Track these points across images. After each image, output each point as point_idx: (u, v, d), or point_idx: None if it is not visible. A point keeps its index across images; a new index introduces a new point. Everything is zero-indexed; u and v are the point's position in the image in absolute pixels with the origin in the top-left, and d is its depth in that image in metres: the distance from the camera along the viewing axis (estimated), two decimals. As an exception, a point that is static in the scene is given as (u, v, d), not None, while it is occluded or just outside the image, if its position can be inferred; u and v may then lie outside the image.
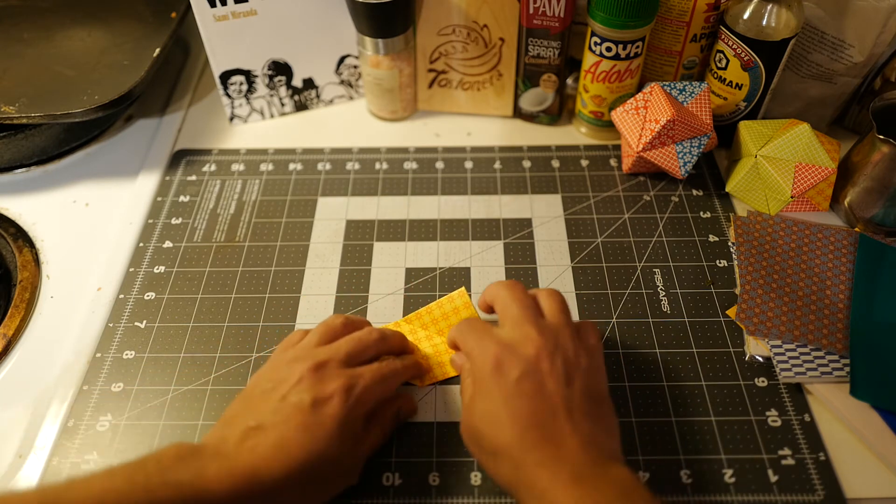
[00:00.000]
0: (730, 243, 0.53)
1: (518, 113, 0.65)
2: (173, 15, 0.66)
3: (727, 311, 0.49)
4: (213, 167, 0.61)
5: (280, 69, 0.63)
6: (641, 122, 0.55)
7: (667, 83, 0.56)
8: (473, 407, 0.37)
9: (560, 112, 0.65)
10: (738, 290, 0.50)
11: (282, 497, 0.35)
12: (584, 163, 0.61)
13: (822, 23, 0.55)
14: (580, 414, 0.36)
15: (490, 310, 0.43)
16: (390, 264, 0.53)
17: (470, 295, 0.49)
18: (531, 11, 0.56)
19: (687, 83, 0.56)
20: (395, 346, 0.44)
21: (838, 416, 0.43)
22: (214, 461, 0.35)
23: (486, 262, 0.53)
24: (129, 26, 0.66)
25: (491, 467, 0.37)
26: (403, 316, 0.49)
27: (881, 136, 0.49)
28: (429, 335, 0.48)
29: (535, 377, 0.36)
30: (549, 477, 0.34)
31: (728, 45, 0.55)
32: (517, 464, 0.35)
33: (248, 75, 0.63)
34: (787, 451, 0.42)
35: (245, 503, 0.34)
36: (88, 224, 0.57)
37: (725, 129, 0.60)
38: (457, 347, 0.42)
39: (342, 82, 0.67)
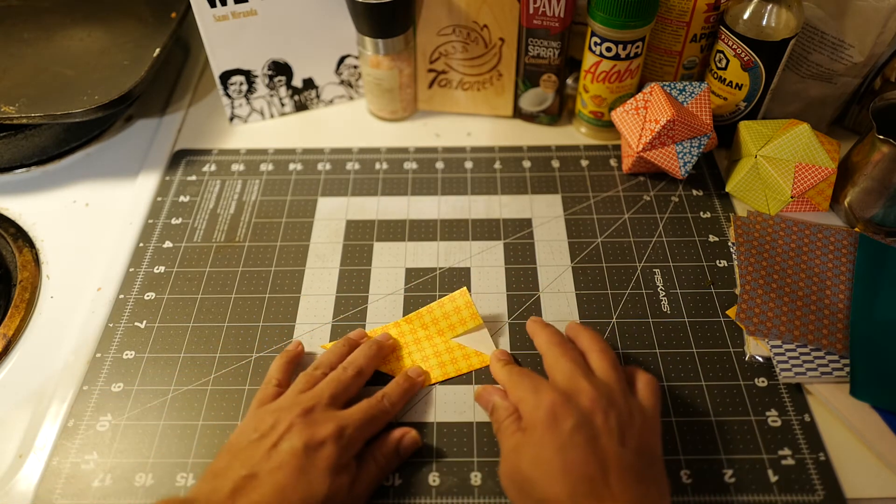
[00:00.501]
0: (730, 243, 0.53)
1: (518, 113, 0.65)
2: (173, 15, 0.66)
3: (727, 311, 0.49)
4: (213, 167, 0.61)
5: (280, 69, 0.63)
6: (641, 122, 0.55)
7: (667, 83, 0.56)
8: (522, 453, 0.37)
9: (560, 112, 0.65)
10: (738, 290, 0.50)
11: None
12: (584, 163, 0.61)
13: (822, 23, 0.55)
14: (632, 475, 0.35)
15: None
16: (390, 264, 0.53)
17: (471, 294, 0.49)
18: (531, 11, 0.56)
19: (687, 83, 0.56)
20: (371, 369, 0.44)
21: (838, 416, 0.43)
22: None
23: (486, 262, 0.53)
24: (129, 26, 0.66)
25: None
26: (403, 316, 0.49)
27: (881, 136, 0.49)
28: (429, 335, 0.48)
29: (590, 431, 0.36)
30: None
31: (728, 45, 0.55)
32: None
33: (248, 75, 0.63)
34: (787, 451, 0.42)
35: None
36: (88, 224, 0.57)
37: (725, 129, 0.60)
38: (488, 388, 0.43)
39: (342, 82, 0.67)
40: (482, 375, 0.46)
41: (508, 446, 0.38)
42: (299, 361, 0.46)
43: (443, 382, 0.45)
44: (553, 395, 0.37)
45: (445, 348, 0.47)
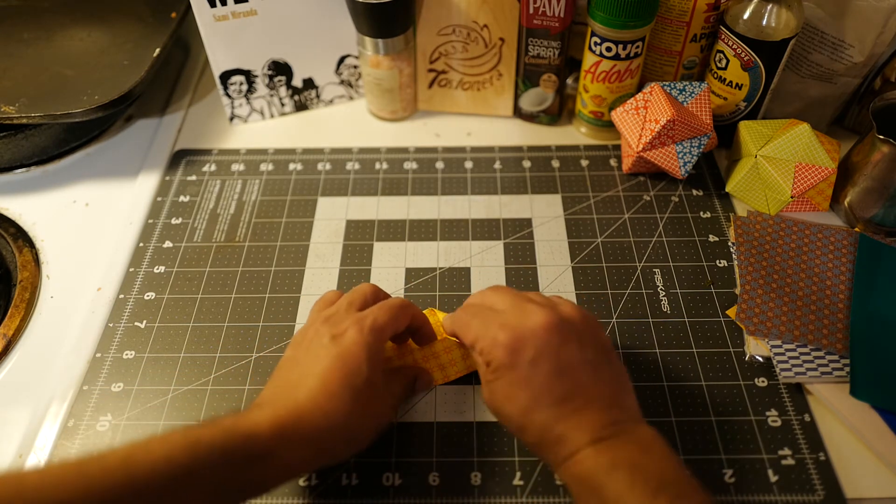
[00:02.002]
0: (730, 243, 0.53)
1: (518, 113, 0.65)
2: (173, 15, 0.66)
3: (727, 311, 0.49)
4: (213, 167, 0.61)
5: (280, 69, 0.63)
6: (641, 122, 0.55)
7: (667, 83, 0.56)
8: (495, 392, 0.38)
9: (560, 112, 0.65)
10: (738, 290, 0.50)
11: (329, 426, 0.36)
12: (584, 163, 0.61)
13: (822, 23, 0.55)
14: (594, 367, 0.37)
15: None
16: (390, 264, 0.53)
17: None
18: (531, 11, 0.56)
19: (687, 83, 0.56)
20: (420, 324, 0.45)
21: (838, 416, 0.43)
22: (254, 410, 0.36)
23: (486, 262, 0.53)
24: (129, 26, 0.66)
25: (516, 434, 0.39)
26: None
27: (881, 136, 0.49)
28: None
29: (549, 351, 0.37)
30: (576, 439, 0.35)
31: (728, 45, 0.55)
32: (542, 431, 0.36)
33: (248, 75, 0.63)
34: (787, 451, 0.42)
35: (293, 439, 0.35)
36: (88, 224, 0.57)
37: (725, 129, 0.60)
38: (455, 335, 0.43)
39: (342, 82, 0.67)
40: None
41: (482, 379, 0.39)
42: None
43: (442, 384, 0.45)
44: (503, 332, 0.38)
45: (443, 348, 0.46)
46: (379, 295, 0.44)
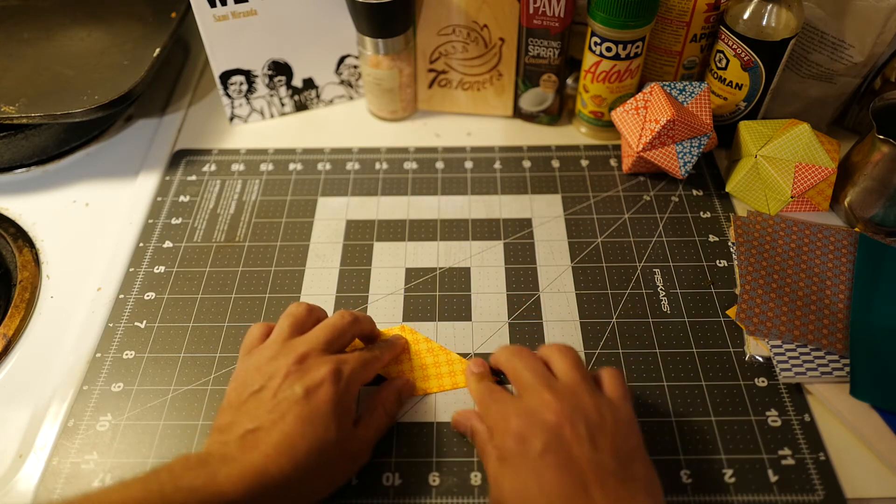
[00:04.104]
0: (730, 243, 0.53)
1: (518, 113, 0.65)
2: (173, 15, 0.66)
3: (727, 311, 0.49)
4: (213, 167, 0.61)
5: (280, 69, 0.63)
6: (641, 122, 0.55)
7: (667, 83, 0.56)
8: (502, 484, 0.36)
9: (560, 112, 0.65)
10: (738, 290, 0.50)
11: (293, 489, 0.36)
12: (584, 163, 0.61)
13: (822, 23, 0.55)
14: (613, 479, 0.34)
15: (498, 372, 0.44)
16: (390, 264, 0.53)
17: (471, 294, 0.49)
18: (531, 11, 0.56)
19: (687, 83, 0.56)
20: (366, 328, 0.45)
21: (838, 416, 0.43)
22: (223, 465, 0.35)
23: (486, 262, 0.53)
24: (129, 26, 0.66)
25: None
26: (403, 317, 0.49)
27: (881, 136, 0.49)
28: (431, 348, 0.47)
29: (560, 446, 0.35)
30: None
31: (728, 45, 0.55)
32: None
33: (248, 75, 0.63)
34: (787, 451, 0.42)
35: (259, 501, 0.34)
36: (88, 224, 0.57)
37: (725, 129, 0.60)
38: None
39: (342, 82, 0.67)
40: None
41: (491, 475, 0.37)
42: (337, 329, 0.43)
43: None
44: (519, 419, 0.37)
45: (446, 360, 0.46)
46: (356, 327, 0.43)
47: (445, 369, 0.46)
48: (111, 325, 0.49)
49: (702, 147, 0.55)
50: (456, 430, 0.43)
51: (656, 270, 0.52)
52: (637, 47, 0.56)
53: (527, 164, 0.61)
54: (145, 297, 0.51)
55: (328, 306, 0.50)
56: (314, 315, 0.43)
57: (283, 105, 0.66)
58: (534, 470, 0.35)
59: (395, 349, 0.45)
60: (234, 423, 0.37)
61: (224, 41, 0.60)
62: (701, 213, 0.56)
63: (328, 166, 0.61)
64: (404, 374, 0.46)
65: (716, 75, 0.58)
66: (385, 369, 0.46)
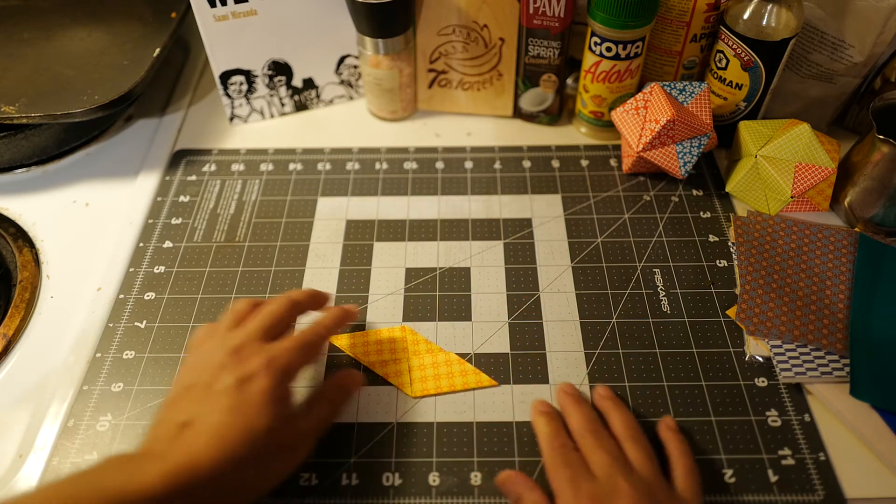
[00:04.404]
0: (730, 243, 0.53)
1: (518, 113, 0.65)
2: (173, 15, 0.66)
3: (727, 311, 0.49)
4: (213, 167, 0.61)
5: (280, 69, 0.63)
6: (641, 122, 0.55)
7: (667, 83, 0.56)
8: None
9: (560, 112, 0.65)
10: (738, 290, 0.50)
11: (228, 484, 0.35)
12: (584, 163, 0.61)
13: (822, 23, 0.55)
14: None
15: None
16: (390, 264, 0.53)
17: (471, 294, 0.49)
18: (531, 11, 0.56)
19: (687, 83, 0.56)
20: (307, 306, 0.44)
21: (838, 416, 0.43)
22: (148, 462, 0.34)
23: (486, 262, 0.53)
24: (129, 26, 0.66)
25: None
26: (403, 317, 0.49)
27: (881, 136, 0.49)
28: (430, 349, 0.47)
29: None
30: None
31: (728, 45, 0.55)
32: None
33: (248, 75, 0.63)
34: (787, 451, 0.42)
35: (184, 499, 0.33)
36: (88, 224, 0.57)
37: (725, 129, 0.60)
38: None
39: (342, 82, 0.67)
40: (527, 433, 0.46)
41: None
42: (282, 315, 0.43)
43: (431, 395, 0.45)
44: (590, 500, 0.36)
45: (445, 360, 0.46)
46: (297, 309, 0.43)
47: (444, 370, 0.46)
48: (111, 325, 0.49)
49: (702, 147, 0.55)
50: (500, 488, 0.41)
51: (656, 270, 0.52)
52: (637, 47, 0.56)
53: (527, 164, 0.61)
54: (145, 297, 0.51)
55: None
56: (255, 307, 0.43)
57: (283, 105, 0.66)
58: None
59: (337, 319, 0.43)
60: (166, 420, 0.37)
61: (224, 41, 0.60)
62: (701, 213, 0.56)
63: (328, 166, 0.61)
64: (401, 374, 0.46)
65: (716, 75, 0.58)
66: (369, 363, 0.46)
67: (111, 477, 0.33)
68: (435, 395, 0.45)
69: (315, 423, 0.39)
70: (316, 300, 0.44)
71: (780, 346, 0.46)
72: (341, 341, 0.48)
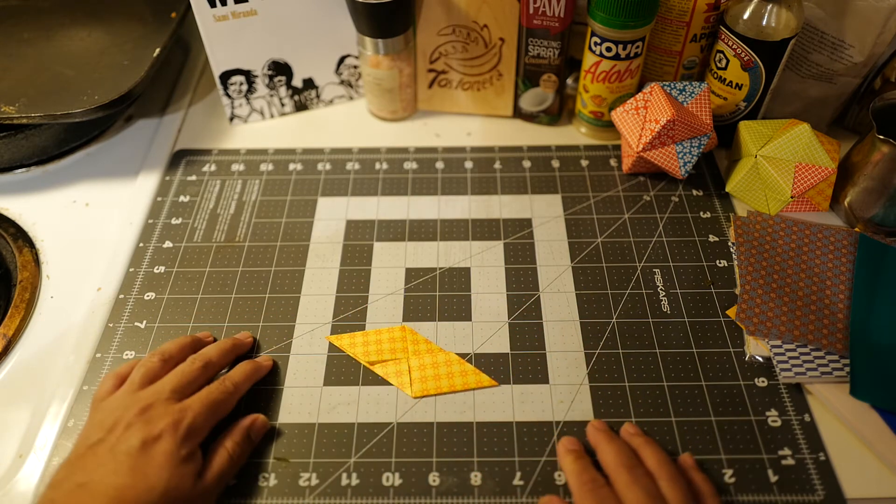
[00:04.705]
0: (730, 243, 0.53)
1: (518, 113, 0.65)
2: (173, 15, 0.66)
3: (727, 311, 0.49)
4: (213, 167, 0.61)
5: (280, 69, 0.63)
6: (641, 122, 0.55)
7: (667, 83, 0.56)
8: None
9: (560, 112, 0.65)
10: (738, 290, 0.50)
11: None
12: (584, 163, 0.61)
13: (822, 23, 0.55)
14: None
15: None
16: (390, 264, 0.53)
17: (471, 294, 0.49)
18: (531, 11, 0.56)
19: (687, 83, 0.56)
20: (220, 365, 0.44)
21: (838, 416, 0.43)
22: None
23: (486, 262, 0.53)
24: (129, 26, 0.66)
25: None
26: (403, 317, 0.49)
27: (881, 136, 0.49)
28: (430, 349, 0.47)
29: None
30: None
31: (728, 45, 0.55)
32: None
33: (248, 75, 0.63)
34: (787, 451, 0.42)
35: None
36: (88, 224, 0.57)
37: (725, 129, 0.60)
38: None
39: (342, 82, 0.67)
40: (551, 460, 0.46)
41: None
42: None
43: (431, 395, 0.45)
44: None
45: (445, 361, 0.46)
46: (210, 365, 0.43)
47: (444, 370, 0.46)
48: (111, 325, 0.49)
49: (702, 147, 0.55)
50: None
51: (656, 270, 0.52)
52: (637, 47, 0.56)
53: (527, 164, 0.61)
54: (145, 297, 0.51)
55: (328, 306, 0.50)
56: (167, 366, 0.43)
57: (283, 105, 0.66)
58: None
59: (247, 374, 0.44)
60: (65, 479, 0.36)
61: (224, 41, 0.60)
62: (701, 213, 0.56)
63: (328, 166, 0.61)
64: (402, 374, 0.46)
65: (716, 75, 0.58)
66: (369, 363, 0.46)
67: None
68: (435, 395, 0.45)
69: (215, 482, 0.39)
70: (229, 355, 0.45)
71: (780, 346, 0.46)
72: (341, 341, 0.48)
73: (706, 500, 0.38)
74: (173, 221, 0.57)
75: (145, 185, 0.59)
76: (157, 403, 0.39)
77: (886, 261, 0.50)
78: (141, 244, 0.55)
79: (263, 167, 0.61)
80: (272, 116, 0.67)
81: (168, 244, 0.55)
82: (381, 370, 0.46)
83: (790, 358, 0.45)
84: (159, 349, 0.44)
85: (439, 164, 0.61)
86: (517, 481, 0.41)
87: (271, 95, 0.65)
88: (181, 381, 0.41)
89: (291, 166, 0.61)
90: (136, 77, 0.59)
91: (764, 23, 0.53)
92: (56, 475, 0.37)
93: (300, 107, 0.67)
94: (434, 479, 0.41)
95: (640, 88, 0.61)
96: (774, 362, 0.45)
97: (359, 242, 0.55)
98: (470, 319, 0.49)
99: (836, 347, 0.45)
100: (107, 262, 0.53)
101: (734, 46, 0.55)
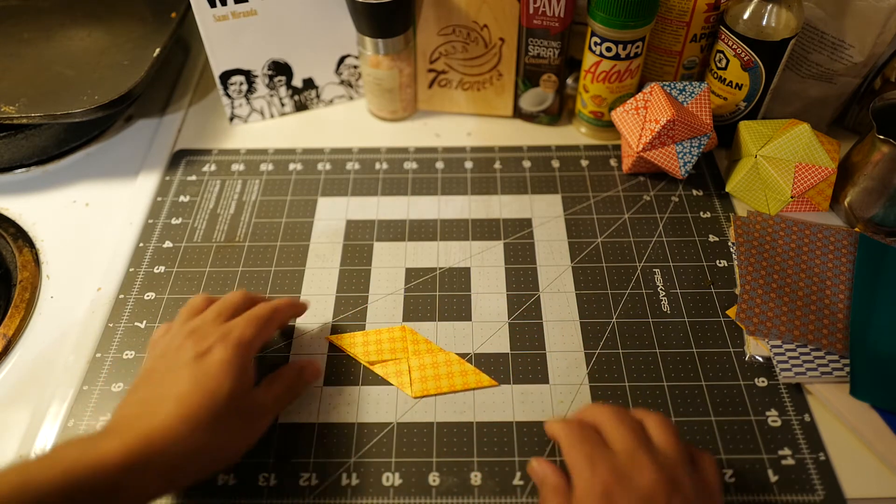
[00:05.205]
0: (730, 243, 0.53)
1: (518, 113, 0.65)
2: (173, 15, 0.66)
3: (727, 311, 0.49)
4: (213, 167, 0.61)
5: (280, 69, 0.63)
6: (641, 122, 0.55)
7: (667, 83, 0.56)
8: None
9: (560, 112, 0.65)
10: (738, 290, 0.50)
11: (185, 453, 0.35)
12: (584, 163, 0.61)
13: (822, 23, 0.55)
14: None
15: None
16: (390, 264, 0.53)
17: (471, 294, 0.49)
18: (531, 11, 0.56)
19: (687, 83, 0.56)
20: (259, 299, 0.45)
21: (838, 416, 0.43)
22: (107, 437, 0.34)
23: (486, 262, 0.53)
24: (129, 26, 0.66)
25: None
26: (403, 317, 0.49)
27: (881, 136, 0.49)
28: (430, 348, 0.47)
29: None
30: None
31: (728, 45, 0.55)
32: None
33: (248, 75, 0.63)
34: (787, 451, 0.42)
35: (143, 468, 0.34)
36: (88, 224, 0.57)
37: (725, 129, 0.60)
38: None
39: (342, 82, 0.67)
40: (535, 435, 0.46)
41: None
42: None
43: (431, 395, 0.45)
44: (609, 472, 0.34)
45: (445, 360, 0.46)
46: (251, 300, 0.44)
47: (444, 370, 0.46)
48: (111, 325, 0.49)
49: (702, 147, 0.55)
50: (530, 475, 0.40)
51: (656, 270, 0.52)
52: (637, 47, 0.56)
53: (527, 164, 0.61)
54: (145, 297, 0.51)
55: (328, 306, 0.50)
56: (249, 303, 0.44)
57: (283, 105, 0.66)
58: None
59: (290, 301, 0.45)
60: (126, 402, 0.38)
61: (224, 41, 0.60)
62: (701, 213, 0.56)
63: (328, 166, 0.61)
64: (402, 374, 0.46)
65: (716, 75, 0.58)
66: (369, 363, 0.46)
67: (64, 452, 0.34)
68: (435, 395, 0.45)
69: (272, 399, 0.41)
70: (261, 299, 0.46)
71: (780, 346, 0.46)
72: (341, 341, 0.48)
73: (700, 453, 0.37)
74: (173, 221, 0.57)
75: (145, 185, 0.59)
76: (203, 325, 0.41)
77: (886, 261, 0.50)
78: (141, 244, 0.55)
79: (263, 167, 0.61)
80: (272, 116, 0.67)
81: (168, 244, 0.55)
82: (381, 370, 0.46)
83: (790, 358, 0.45)
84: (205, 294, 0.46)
85: (439, 164, 0.61)
86: (517, 481, 0.41)
87: (271, 95, 0.65)
88: (224, 306, 0.43)
89: (291, 166, 0.61)
90: (136, 77, 0.59)
91: (764, 23, 0.53)
92: (117, 406, 0.38)
93: (300, 107, 0.67)
94: (434, 479, 0.41)
95: (640, 88, 0.61)
96: (774, 362, 0.45)
97: (359, 242, 0.55)
98: (470, 319, 0.49)
99: (836, 347, 0.45)
100: (107, 262, 0.53)
101: (734, 46, 0.55)
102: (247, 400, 0.39)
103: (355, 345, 0.47)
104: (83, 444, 0.34)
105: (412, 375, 0.46)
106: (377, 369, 0.46)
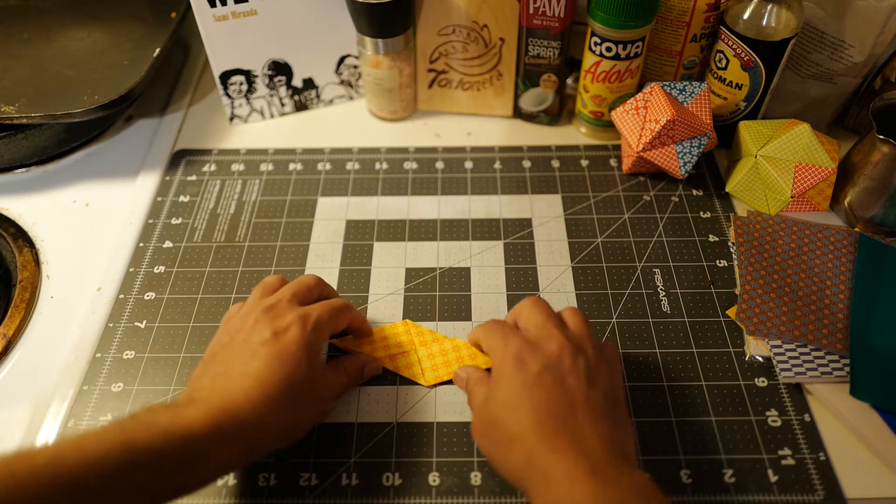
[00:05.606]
0: (730, 243, 0.53)
1: (518, 113, 0.65)
2: (173, 15, 0.66)
3: (727, 311, 0.49)
4: (213, 167, 0.61)
5: (280, 69, 0.63)
6: (641, 122, 0.55)
7: (667, 83, 0.56)
8: (490, 399, 0.38)
9: (560, 112, 0.65)
10: (738, 290, 0.50)
11: (265, 426, 0.36)
12: (584, 163, 0.61)
13: (822, 23, 0.55)
14: (599, 413, 0.36)
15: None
16: (390, 264, 0.53)
17: (471, 294, 0.49)
18: (531, 11, 0.56)
19: (687, 83, 0.56)
20: (331, 293, 0.46)
21: (838, 416, 0.43)
22: (191, 405, 0.36)
23: (486, 262, 0.53)
24: (129, 26, 0.66)
25: (502, 457, 0.37)
26: (403, 316, 0.49)
27: (881, 136, 0.49)
28: (437, 338, 0.47)
29: (557, 372, 0.37)
30: (567, 466, 0.34)
31: (728, 45, 0.55)
32: (532, 450, 0.35)
33: (248, 75, 0.63)
34: (787, 451, 0.42)
35: (226, 438, 0.35)
36: (88, 224, 0.57)
37: (725, 129, 0.60)
38: (478, 346, 0.45)
39: (342, 82, 0.67)
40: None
41: (478, 400, 0.39)
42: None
43: (444, 382, 0.45)
44: (520, 342, 0.39)
45: (452, 346, 0.46)
46: (323, 288, 0.45)
47: (453, 356, 0.46)
48: (111, 325, 0.49)
49: (702, 147, 0.55)
50: (457, 384, 0.44)
51: (656, 270, 0.52)
52: (637, 47, 0.56)
53: (527, 164, 0.61)
54: (145, 297, 0.51)
55: (328, 306, 0.50)
56: (321, 289, 0.45)
57: (283, 105, 0.66)
58: (528, 385, 0.37)
59: (364, 321, 0.46)
60: (203, 373, 0.39)
61: (224, 41, 0.60)
62: (701, 213, 0.56)
63: (328, 166, 0.61)
64: (412, 366, 0.46)
65: (716, 75, 0.58)
66: (379, 359, 0.46)
67: (155, 417, 0.34)
68: (448, 381, 0.45)
69: (338, 381, 0.42)
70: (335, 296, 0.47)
71: (780, 346, 0.46)
72: (346, 344, 0.48)
73: (604, 342, 0.42)
74: (173, 221, 0.57)
75: (145, 185, 0.59)
76: (279, 304, 0.41)
77: (886, 261, 0.50)
78: (141, 244, 0.55)
79: (263, 167, 0.61)
80: (272, 116, 0.67)
81: (168, 244, 0.55)
82: (391, 364, 0.46)
83: (790, 358, 0.45)
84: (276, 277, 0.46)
85: (439, 164, 0.61)
86: (517, 481, 0.41)
87: (271, 95, 0.65)
88: (300, 288, 0.43)
89: (291, 166, 0.61)
90: (136, 77, 0.59)
91: (764, 23, 0.53)
92: (193, 374, 0.39)
93: (300, 107, 0.67)
94: (434, 479, 0.41)
95: (640, 88, 0.61)
96: (774, 362, 0.45)
97: (359, 242, 0.55)
98: (470, 319, 0.49)
99: (836, 347, 0.45)
100: (107, 262, 0.53)
101: (734, 46, 0.55)
102: (319, 381, 0.40)
103: (362, 344, 0.47)
104: (170, 411, 0.35)
105: (423, 365, 0.46)
106: (387, 364, 0.46)
